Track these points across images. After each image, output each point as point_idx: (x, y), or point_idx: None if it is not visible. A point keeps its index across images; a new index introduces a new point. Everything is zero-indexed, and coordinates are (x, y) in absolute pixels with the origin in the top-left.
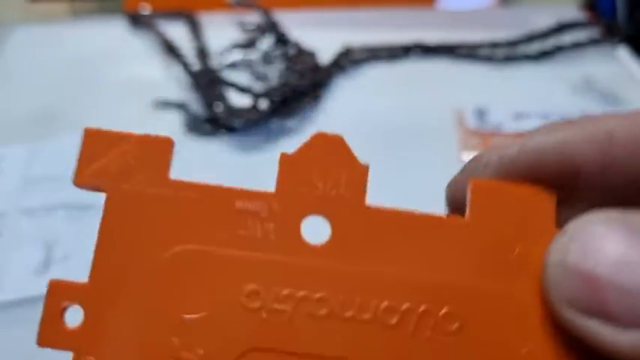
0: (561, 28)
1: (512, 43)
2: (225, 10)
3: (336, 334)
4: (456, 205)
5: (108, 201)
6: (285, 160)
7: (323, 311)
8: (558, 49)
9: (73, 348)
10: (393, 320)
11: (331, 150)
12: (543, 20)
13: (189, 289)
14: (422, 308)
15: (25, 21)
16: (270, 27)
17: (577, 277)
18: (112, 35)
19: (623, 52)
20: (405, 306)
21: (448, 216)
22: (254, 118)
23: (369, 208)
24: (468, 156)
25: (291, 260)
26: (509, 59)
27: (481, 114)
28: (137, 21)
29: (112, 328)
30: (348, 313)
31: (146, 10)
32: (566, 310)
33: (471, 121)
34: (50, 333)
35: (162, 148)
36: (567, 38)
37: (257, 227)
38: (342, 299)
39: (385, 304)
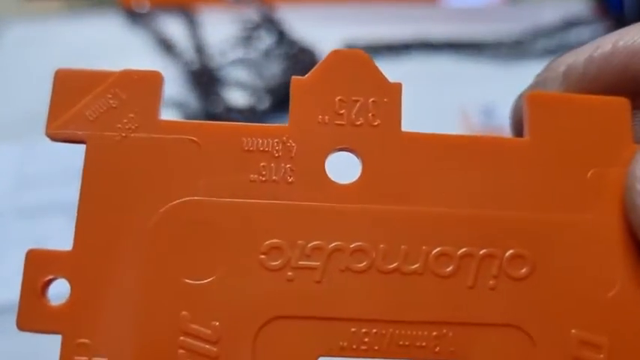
0: (569, 24)
1: (519, 40)
2: (224, 6)
3: (378, 292)
4: (521, 130)
5: (88, 152)
6: (298, 85)
7: (361, 265)
8: (566, 46)
9: (60, 330)
10: (448, 269)
11: (353, 69)
12: (551, 16)
13: (195, 250)
14: (482, 252)
15: (20, 18)
16: (270, 23)
17: None
18: (109, 32)
19: None
20: (461, 251)
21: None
22: (253, 116)
23: (405, 134)
24: None
25: (317, 206)
26: (516, 56)
27: (488, 112)
28: (134, 17)
29: (104, 303)
30: (392, 265)
31: (144, 6)
32: None
33: (477, 120)
34: (31, 313)
35: (149, 84)
36: (575, 35)
37: (272, 169)
38: (384, 248)
39: (437, 250)
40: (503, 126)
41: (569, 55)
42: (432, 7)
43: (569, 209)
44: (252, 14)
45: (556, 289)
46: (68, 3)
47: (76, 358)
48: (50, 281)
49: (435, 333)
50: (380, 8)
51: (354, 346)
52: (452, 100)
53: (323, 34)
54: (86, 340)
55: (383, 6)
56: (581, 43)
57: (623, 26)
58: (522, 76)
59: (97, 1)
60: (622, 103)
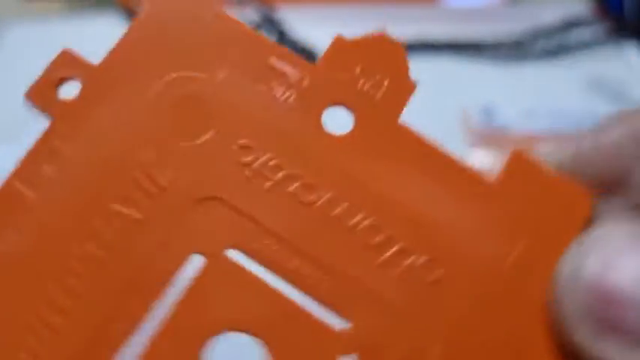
0: (569, 25)
1: (519, 41)
2: (224, 6)
3: (309, 227)
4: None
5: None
6: (337, 42)
7: (307, 198)
8: (566, 47)
9: (55, 114)
10: (371, 240)
11: (387, 53)
12: (551, 17)
13: (186, 116)
14: (405, 244)
15: (21, 18)
16: (270, 23)
17: (592, 292)
18: (110, 32)
19: (632, 49)
20: (390, 233)
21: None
22: None
23: (401, 126)
24: (474, 156)
25: (299, 136)
26: (516, 57)
27: (488, 113)
28: (134, 17)
29: (98, 118)
30: (330, 210)
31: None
32: (577, 326)
33: (478, 121)
34: (41, 93)
35: None
36: (575, 35)
37: (279, 90)
38: (330, 197)
39: (373, 221)
40: (503, 126)
41: (555, 149)
42: (432, 7)
43: (495, 249)
44: (252, 14)
45: (456, 307)
46: (68, 3)
47: (57, 142)
48: (66, 79)
49: (328, 278)
50: (380, 8)
51: (260, 253)
52: (452, 100)
53: (323, 34)
54: (67, 143)
55: (383, 6)
56: (581, 44)
57: (623, 26)
58: (522, 76)
59: (97, 2)
60: (584, 197)
